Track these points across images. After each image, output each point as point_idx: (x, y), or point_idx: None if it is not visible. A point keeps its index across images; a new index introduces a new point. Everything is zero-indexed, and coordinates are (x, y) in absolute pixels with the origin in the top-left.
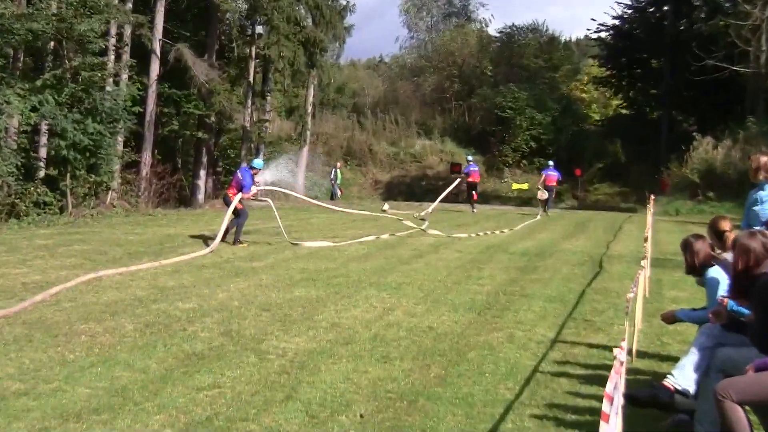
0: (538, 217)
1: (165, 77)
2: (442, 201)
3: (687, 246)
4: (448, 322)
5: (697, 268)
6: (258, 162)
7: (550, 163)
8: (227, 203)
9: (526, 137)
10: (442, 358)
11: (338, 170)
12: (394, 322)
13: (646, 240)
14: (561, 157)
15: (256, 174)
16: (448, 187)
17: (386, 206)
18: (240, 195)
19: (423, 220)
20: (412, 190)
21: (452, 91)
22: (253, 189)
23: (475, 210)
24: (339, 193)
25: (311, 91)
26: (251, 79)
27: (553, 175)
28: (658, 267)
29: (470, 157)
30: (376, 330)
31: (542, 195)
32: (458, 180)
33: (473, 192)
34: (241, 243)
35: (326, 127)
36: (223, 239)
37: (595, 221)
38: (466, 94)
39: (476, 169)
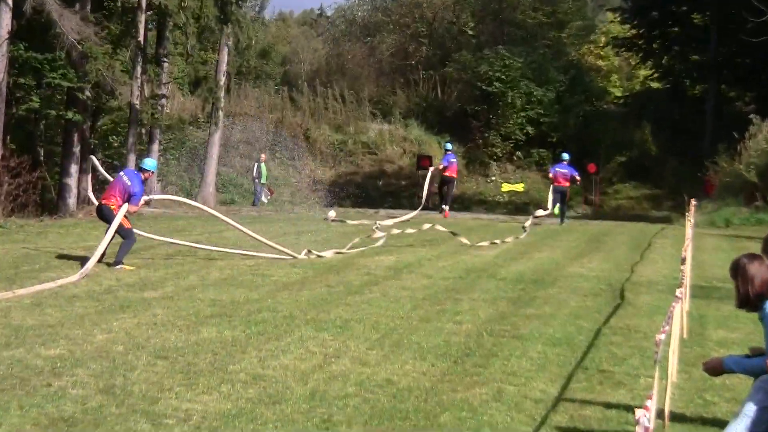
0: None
1: (20, 35)
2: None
3: (739, 269)
4: (412, 374)
5: (752, 300)
6: (150, 163)
7: (565, 156)
8: (106, 219)
9: (521, 120)
10: (404, 423)
11: (262, 165)
12: (338, 374)
13: (684, 261)
14: (568, 147)
15: (147, 178)
16: (422, 186)
17: (332, 213)
18: (126, 207)
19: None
20: (366, 192)
21: (419, 56)
22: (144, 198)
23: (445, 207)
24: (265, 195)
25: (224, 57)
26: (141, 38)
27: (565, 172)
28: (701, 298)
29: (449, 146)
30: (314, 384)
31: (541, 212)
32: (430, 172)
33: (447, 189)
34: (125, 266)
35: (246, 105)
36: (100, 260)
37: (614, 235)
38: (438, 60)
39: (455, 161)
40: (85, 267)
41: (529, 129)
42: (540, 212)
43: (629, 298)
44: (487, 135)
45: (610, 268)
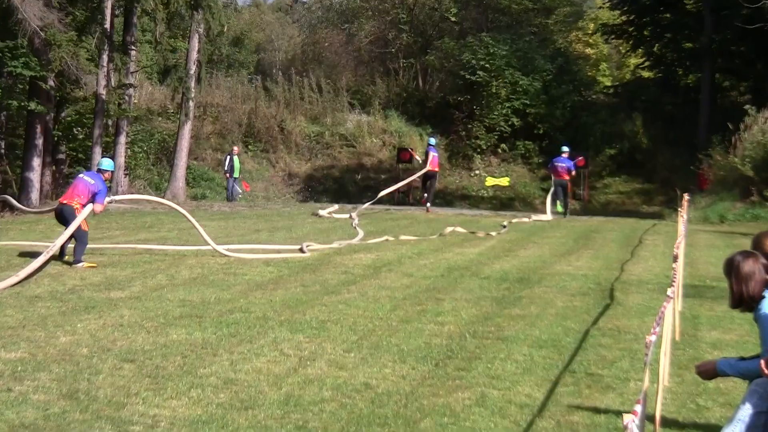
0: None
1: None
2: (373, 203)
3: (732, 268)
4: (392, 378)
5: (746, 300)
6: (108, 163)
7: (565, 148)
8: (66, 219)
9: (506, 111)
10: (383, 430)
11: (235, 158)
12: (314, 378)
13: (676, 259)
14: (556, 138)
15: (107, 179)
16: (400, 180)
17: (324, 212)
18: (90, 207)
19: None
20: (343, 187)
21: (399, 44)
22: (107, 199)
23: (428, 206)
24: (239, 190)
25: (195, 44)
26: (107, 25)
27: (562, 166)
28: (694, 297)
29: (433, 140)
30: (288, 389)
31: (548, 214)
32: (415, 172)
33: (429, 184)
34: (85, 264)
35: (218, 95)
36: (58, 257)
37: (604, 232)
38: (419, 48)
39: (436, 154)
40: (39, 259)
41: (515, 120)
42: (543, 216)
43: (619, 298)
44: (470, 126)
45: (599, 266)
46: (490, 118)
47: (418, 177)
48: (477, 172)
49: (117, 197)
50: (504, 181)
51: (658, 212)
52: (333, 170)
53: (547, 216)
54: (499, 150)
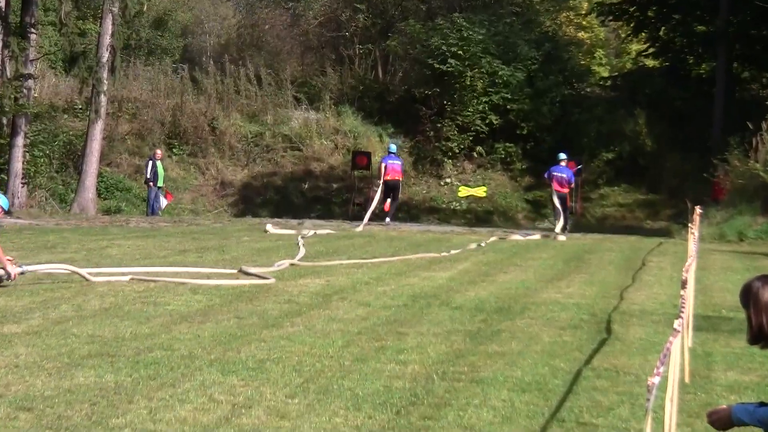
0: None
1: None
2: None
3: (751, 296)
4: (344, 429)
5: (767, 334)
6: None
7: (562, 156)
8: None
9: (483, 107)
10: None
11: (158, 163)
12: (250, 429)
13: (685, 285)
14: (543, 140)
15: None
16: (370, 199)
17: (270, 226)
18: None
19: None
20: (287, 198)
21: (355, 27)
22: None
23: (389, 221)
24: (163, 202)
25: (108, 27)
26: (2, 4)
27: (563, 176)
28: (707, 331)
29: (393, 146)
30: None
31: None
32: (379, 193)
33: (393, 196)
34: None
35: (136, 88)
36: None
37: (600, 252)
38: (379, 32)
39: (399, 162)
40: None
41: (493, 118)
42: (561, 237)
43: (617, 332)
44: (440, 126)
45: (594, 293)
46: (463, 116)
47: (380, 192)
48: (448, 180)
49: (29, 268)
50: (480, 192)
51: (665, 228)
52: (275, 178)
53: (562, 236)
54: (475, 154)
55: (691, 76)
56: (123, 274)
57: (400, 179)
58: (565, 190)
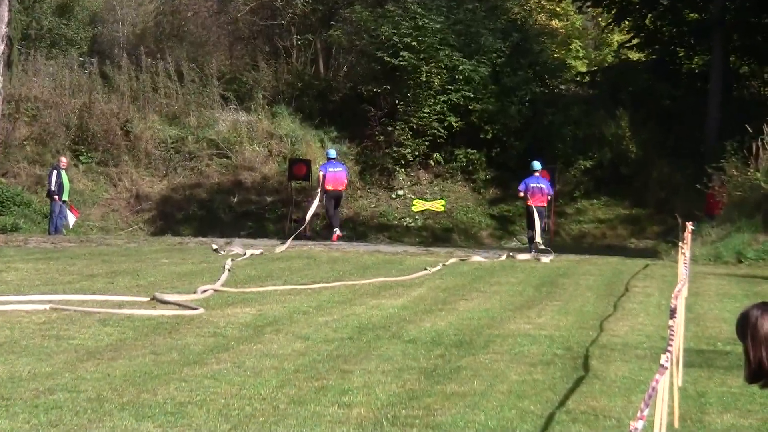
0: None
1: None
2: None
3: (748, 326)
4: None
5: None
6: None
7: (536, 165)
8: None
9: (442, 107)
10: None
11: (63, 173)
12: None
13: (674, 313)
14: (510, 145)
15: None
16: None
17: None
18: None
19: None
20: (213, 213)
21: (293, 14)
22: None
23: (337, 231)
24: (67, 218)
25: (4, 14)
26: None
27: (542, 187)
28: (700, 367)
29: (332, 152)
30: None
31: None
32: (315, 204)
33: (335, 212)
34: None
35: (36, 85)
36: None
37: (577, 276)
38: (320, 20)
39: (342, 169)
40: None
41: (453, 120)
42: (522, 256)
43: (596, 369)
44: (391, 129)
45: (570, 324)
46: (418, 117)
47: (320, 202)
48: (400, 192)
49: None
50: (438, 206)
51: (652, 248)
52: (198, 190)
53: (547, 256)
54: (432, 162)
55: (682, 71)
56: (42, 302)
57: (343, 190)
58: (544, 204)
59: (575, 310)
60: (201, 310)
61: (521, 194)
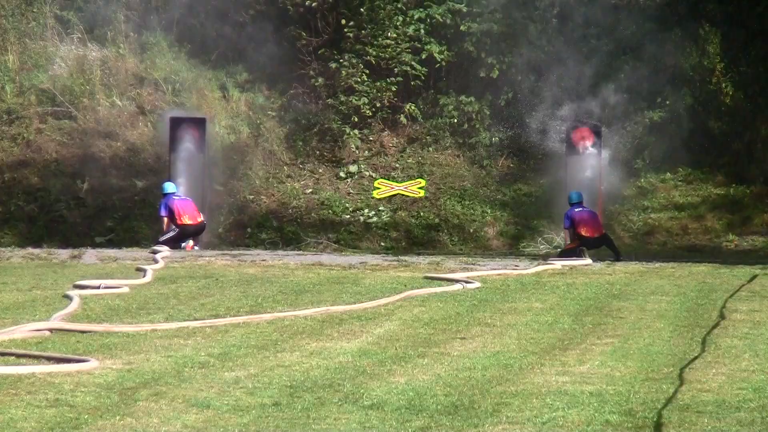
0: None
1: None
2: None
3: None
4: None
5: None
6: None
7: (575, 196)
8: None
9: (417, 29)
10: None
11: None
12: None
13: None
14: (518, 87)
15: None
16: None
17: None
18: None
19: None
20: (49, 209)
21: None
22: None
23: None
24: None
25: None
26: None
27: (594, 213)
28: None
29: (169, 187)
30: None
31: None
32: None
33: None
34: None
35: None
36: None
37: (639, 296)
38: None
39: (179, 198)
40: None
41: (435, 50)
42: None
43: None
44: (335, 66)
45: (631, 374)
46: (378, 47)
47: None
48: (353, 168)
49: None
50: (414, 188)
51: (762, 249)
52: (25, 172)
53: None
54: (403, 118)
55: None
56: None
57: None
58: (597, 234)
59: (639, 352)
60: (91, 362)
61: (568, 230)
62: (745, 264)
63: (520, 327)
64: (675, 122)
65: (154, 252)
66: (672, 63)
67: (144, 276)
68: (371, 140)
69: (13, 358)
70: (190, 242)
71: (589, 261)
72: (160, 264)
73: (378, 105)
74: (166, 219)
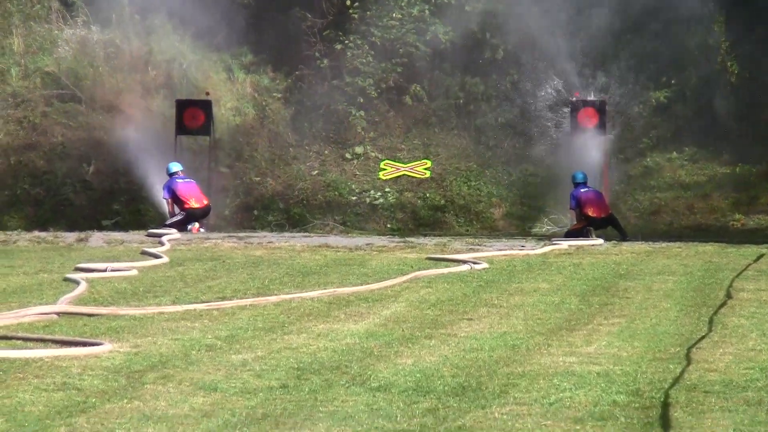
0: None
1: None
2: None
3: None
4: None
5: None
6: None
7: (580, 176)
8: None
9: (422, 10)
10: None
11: None
12: None
13: None
14: (536, 66)
15: None
16: None
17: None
18: None
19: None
20: (56, 192)
21: None
22: None
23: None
24: None
25: None
26: None
27: (599, 192)
28: None
29: (174, 167)
30: None
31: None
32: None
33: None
34: None
35: None
36: None
37: (646, 276)
38: None
39: (182, 180)
40: None
41: (440, 30)
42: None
43: (682, 424)
44: (340, 47)
45: (638, 354)
46: (383, 27)
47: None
48: (359, 150)
49: None
50: (420, 169)
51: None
52: (32, 155)
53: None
54: (408, 99)
55: None
56: None
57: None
58: (604, 215)
59: (646, 332)
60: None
61: (575, 209)
62: (752, 243)
63: (527, 308)
64: (681, 101)
65: (151, 235)
66: (678, 42)
67: (160, 257)
68: (376, 122)
69: (20, 342)
70: (196, 225)
71: (600, 240)
72: (166, 246)
73: (383, 86)
74: (169, 201)
